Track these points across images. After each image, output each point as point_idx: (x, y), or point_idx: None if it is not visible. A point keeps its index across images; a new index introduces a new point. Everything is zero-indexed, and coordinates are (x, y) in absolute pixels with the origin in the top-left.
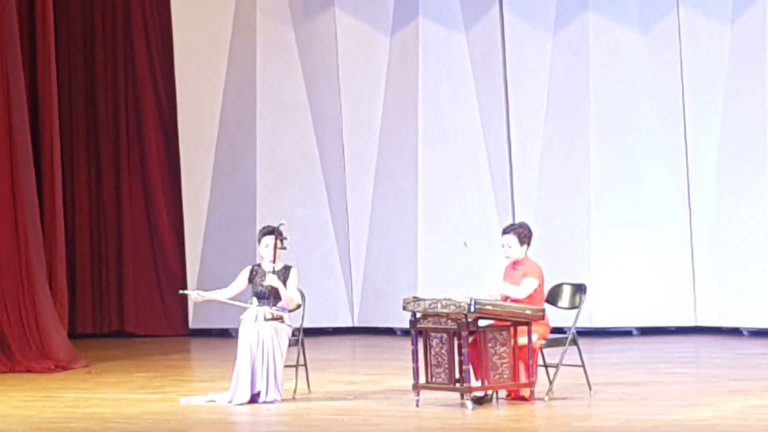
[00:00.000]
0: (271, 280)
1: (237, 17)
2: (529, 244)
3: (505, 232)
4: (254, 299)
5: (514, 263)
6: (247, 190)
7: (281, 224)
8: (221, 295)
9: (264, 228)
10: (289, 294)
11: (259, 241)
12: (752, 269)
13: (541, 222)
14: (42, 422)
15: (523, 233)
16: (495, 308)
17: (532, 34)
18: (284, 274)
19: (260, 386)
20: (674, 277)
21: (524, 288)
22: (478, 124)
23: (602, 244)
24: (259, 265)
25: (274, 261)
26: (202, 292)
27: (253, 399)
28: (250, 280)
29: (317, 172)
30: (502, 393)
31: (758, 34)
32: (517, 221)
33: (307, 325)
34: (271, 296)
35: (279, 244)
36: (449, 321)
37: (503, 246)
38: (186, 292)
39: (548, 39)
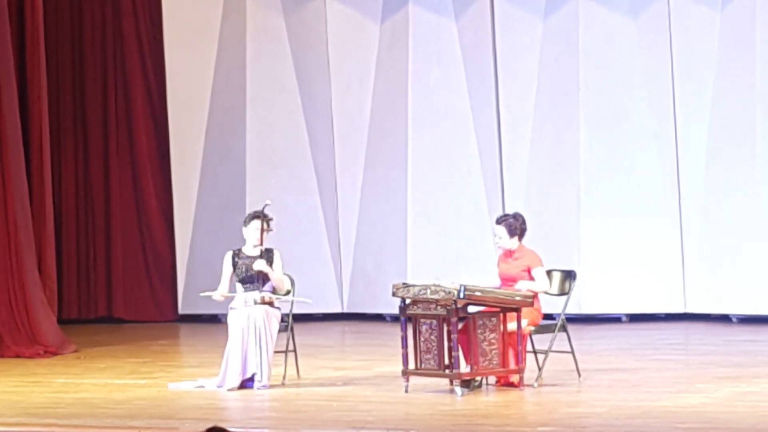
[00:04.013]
0: (261, 265)
1: (227, 3)
2: (521, 237)
3: (497, 222)
4: (238, 285)
5: (509, 253)
6: (237, 176)
7: (266, 204)
8: (232, 290)
9: (253, 212)
10: (278, 277)
11: (246, 224)
12: (742, 256)
13: (530, 208)
14: (31, 407)
15: (513, 225)
16: (484, 294)
17: (522, 20)
18: (268, 256)
19: (254, 369)
20: (664, 263)
21: (541, 282)
22: (467, 110)
23: (592, 230)
24: (239, 250)
25: (261, 244)
26: (222, 292)
27: (244, 384)
28: (234, 266)
29: (307, 157)
30: (492, 379)
31: (748, 20)
32: (510, 211)
33: (296, 310)
34: (259, 280)
35: (266, 227)
36: (439, 307)
37: (494, 235)
38: (207, 293)
39: (538, 25)
